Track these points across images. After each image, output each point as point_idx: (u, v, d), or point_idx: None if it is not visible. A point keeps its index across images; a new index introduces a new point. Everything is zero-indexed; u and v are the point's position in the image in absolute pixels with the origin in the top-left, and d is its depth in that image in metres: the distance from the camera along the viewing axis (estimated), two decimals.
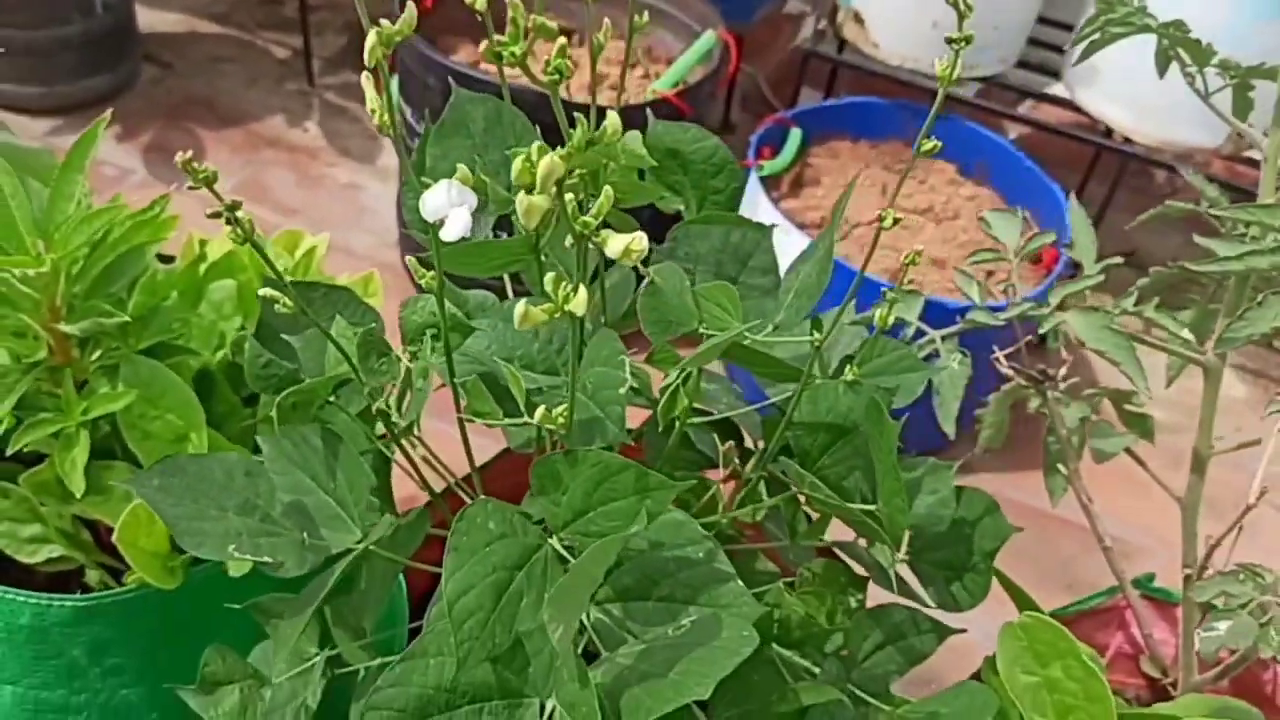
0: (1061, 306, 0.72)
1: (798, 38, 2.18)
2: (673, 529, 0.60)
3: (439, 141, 0.72)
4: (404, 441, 0.69)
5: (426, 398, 0.70)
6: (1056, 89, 1.84)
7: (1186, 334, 0.70)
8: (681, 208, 0.80)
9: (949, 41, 0.51)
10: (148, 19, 2.07)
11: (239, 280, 0.88)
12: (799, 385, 0.61)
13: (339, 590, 0.70)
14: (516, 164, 0.45)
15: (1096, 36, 0.83)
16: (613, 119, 0.49)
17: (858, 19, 1.72)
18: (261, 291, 0.57)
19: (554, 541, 0.57)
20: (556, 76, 0.46)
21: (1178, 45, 0.76)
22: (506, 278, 0.76)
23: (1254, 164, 1.70)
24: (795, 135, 1.66)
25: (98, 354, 0.75)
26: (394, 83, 1.64)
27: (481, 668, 0.55)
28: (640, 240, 0.46)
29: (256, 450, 0.83)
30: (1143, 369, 0.69)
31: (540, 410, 0.54)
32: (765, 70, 2.16)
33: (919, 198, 1.66)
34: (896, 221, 0.52)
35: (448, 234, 0.49)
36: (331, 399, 0.66)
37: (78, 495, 0.70)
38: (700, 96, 1.56)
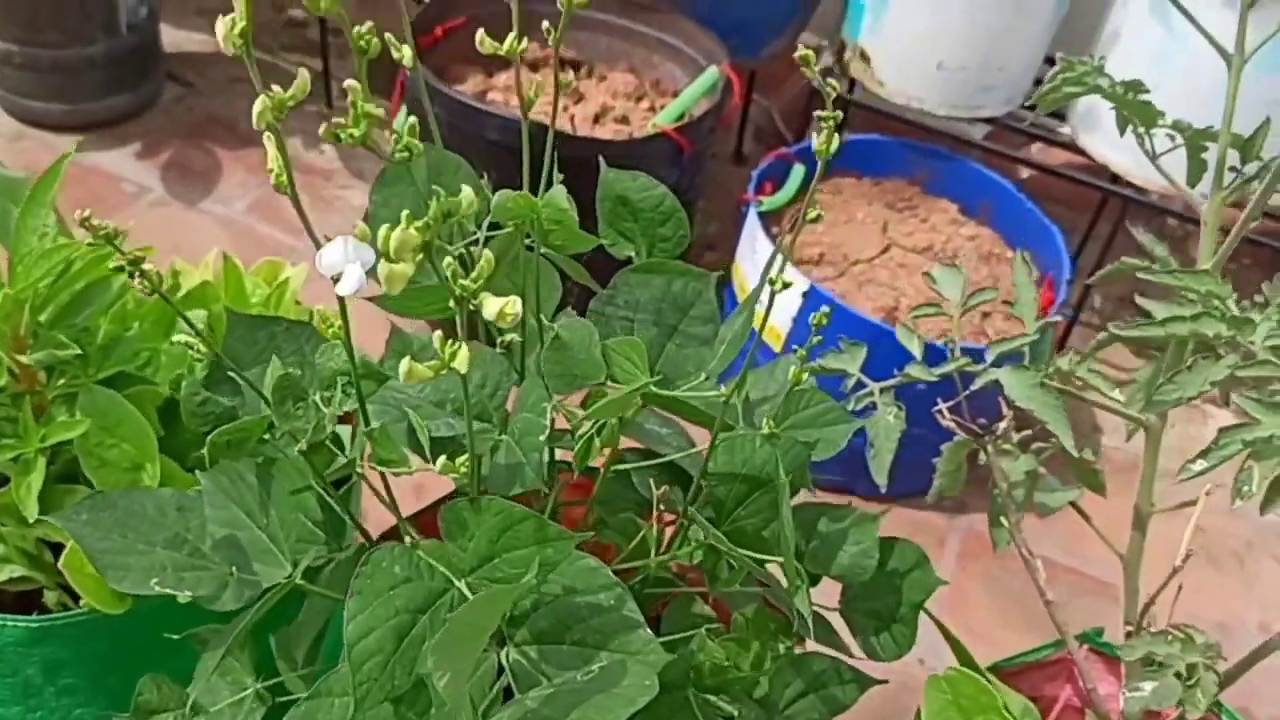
0: (996, 363, 0.72)
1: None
2: (586, 575, 0.61)
3: (381, 189, 0.74)
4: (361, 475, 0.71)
5: (365, 441, 0.72)
6: (1066, 130, 1.84)
7: (1117, 394, 0.71)
8: (633, 253, 0.82)
9: (819, 119, 0.52)
10: (172, 39, 2.12)
11: (211, 310, 0.90)
12: (711, 436, 0.62)
13: (276, 622, 0.72)
14: (382, 231, 0.47)
15: (1054, 94, 0.84)
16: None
17: (864, 57, 1.73)
18: (175, 338, 0.59)
19: (461, 585, 0.58)
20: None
21: (1125, 107, 0.77)
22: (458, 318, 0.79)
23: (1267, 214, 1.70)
24: (798, 171, 1.67)
25: (60, 382, 0.78)
26: (402, 113, 1.67)
27: (383, 708, 0.57)
28: (513, 304, 0.48)
29: None
30: (1069, 427, 0.70)
31: (442, 459, 0.56)
32: (779, 104, 2.18)
33: (919, 236, 1.66)
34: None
35: (342, 289, 0.51)
36: (266, 437, 0.68)
37: (30, 519, 0.73)
38: (701, 131, 1.57)
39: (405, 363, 0.49)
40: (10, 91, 1.89)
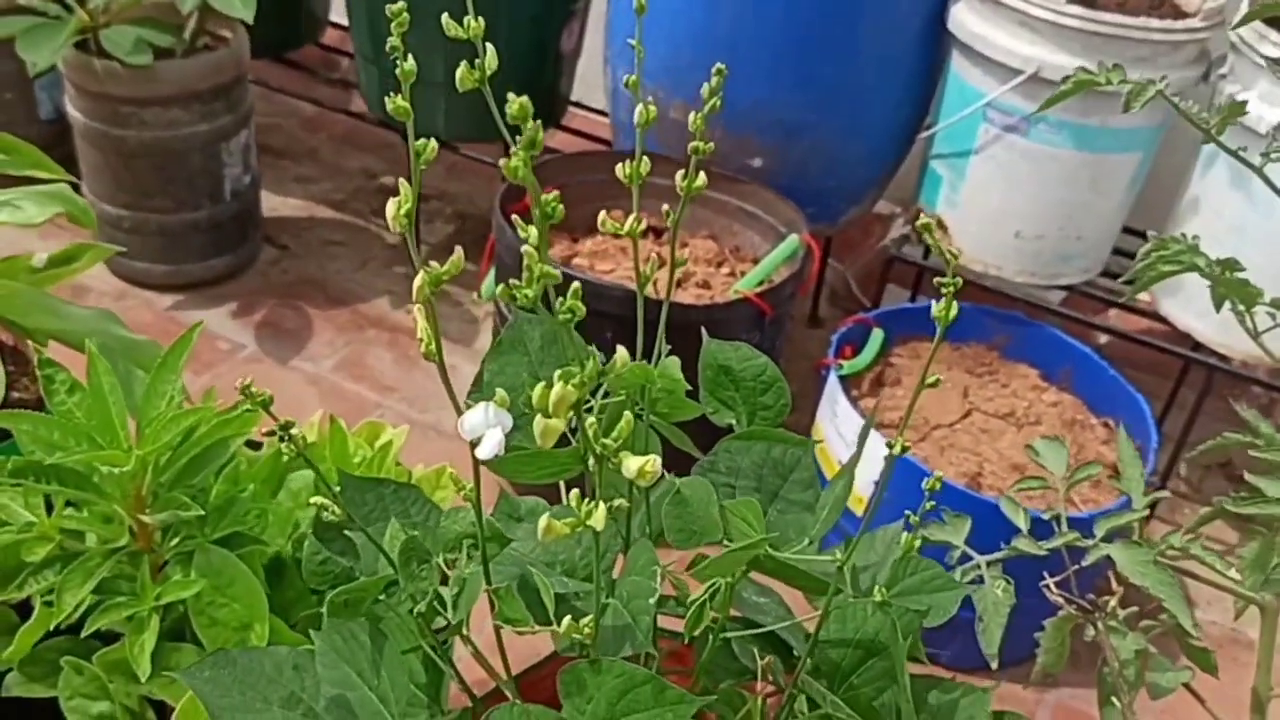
0: (1106, 538, 0.72)
1: (886, 237, 2.24)
2: None
3: (496, 358, 0.76)
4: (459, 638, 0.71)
5: (474, 601, 0.72)
6: (1144, 297, 1.84)
7: (1233, 574, 0.70)
8: (733, 421, 0.83)
9: (940, 285, 0.54)
10: (270, 203, 2.21)
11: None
12: (824, 603, 0.62)
13: None
14: (538, 390, 0.49)
15: (1150, 273, 0.85)
16: (621, 355, 0.53)
17: (940, 225, 1.76)
18: (312, 500, 0.60)
19: None
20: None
21: (1223, 286, 0.78)
22: (561, 485, 0.80)
23: None
24: (877, 335, 1.69)
25: (175, 541, 0.80)
26: (490, 276, 1.73)
27: None
28: (654, 463, 0.49)
29: None
30: (1187, 606, 0.69)
31: (567, 620, 0.56)
32: (854, 268, 2.21)
33: (1000, 401, 1.66)
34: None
35: (482, 452, 0.53)
36: (381, 597, 0.69)
37: (144, 678, 0.74)
38: (782, 297, 1.60)
39: (544, 520, 0.50)
40: (117, 253, 1.98)
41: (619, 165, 0.69)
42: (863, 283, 2.18)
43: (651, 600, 0.64)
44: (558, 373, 0.50)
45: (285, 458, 0.94)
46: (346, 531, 0.74)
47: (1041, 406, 1.66)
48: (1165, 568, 0.69)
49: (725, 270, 1.74)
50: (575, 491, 0.52)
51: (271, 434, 0.55)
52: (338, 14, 2.33)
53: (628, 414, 0.51)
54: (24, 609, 0.87)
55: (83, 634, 0.75)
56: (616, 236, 1.82)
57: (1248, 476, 0.73)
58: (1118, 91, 1.57)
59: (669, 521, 0.64)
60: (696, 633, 0.63)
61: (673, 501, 0.64)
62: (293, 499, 0.91)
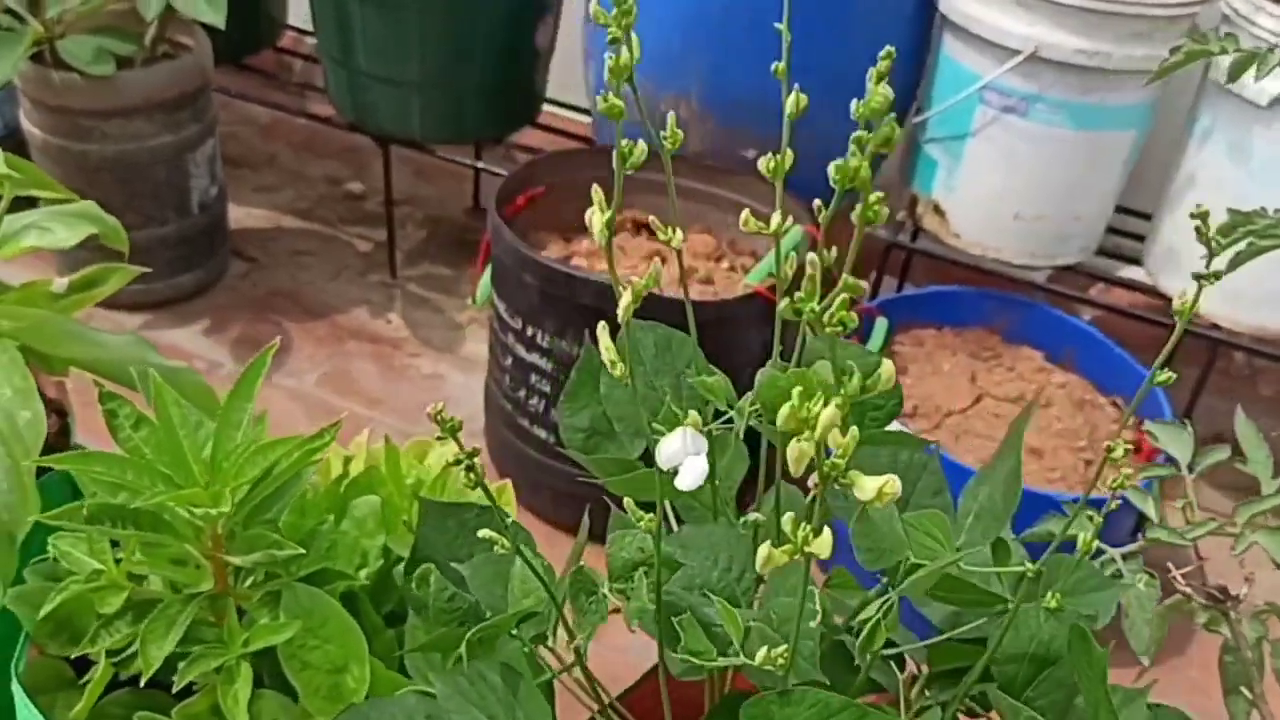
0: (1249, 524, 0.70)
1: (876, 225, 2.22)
2: None
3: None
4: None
5: (596, 627, 0.68)
6: (1126, 273, 1.85)
7: None
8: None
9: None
10: (234, 215, 2.13)
11: (380, 494, 0.88)
12: (1010, 614, 0.59)
13: None
14: (784, 410, 0.45)
15: (1241, 249, 0.83)
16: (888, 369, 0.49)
17: (938, 210, 1.74)
18: (481, 533, 0.56)
19: None
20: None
21: None
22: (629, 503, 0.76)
23: None
24: (881, 324, 1.67)
25: (252, 581, 0.74)
26: (485, 280, 1.67)
27: None
28: (894, 483, 0.46)
29: (401, 670, 0.81)
30: None
31: (763, 650, 0.52)
32: (843, 259, 2.19)
33: (1008, 386, 1.65)
34: None
35: (684, 483, 0.49)
36: (514, 632, 0.64)
37: None
38: (790, 290, 1.57)
39: (764, 548, 0.47)
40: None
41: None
42: (856, 273, 2.16)
43: (813, 624, 0.60)
44: (796, 389, 0.46)
45: (344, 484, 0.89)
46: (454, 564, 0.69)
47: (1050, 388, 1.66)
48: None
49: (725, 265, 1.71)
50: (790, 515, 0.48)
51: (458, 463, 0.50)
52: (294, 17, 2.25)
53: (854, 429, 0.47)
54: (78, 663, 0.81)
55: (174, 688, 0.69)
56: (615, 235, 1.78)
57: None
58: (1117, 69, 1.57)
59: (858, 540, 0.60)
60: (871, 652, 0.59)
61: (860, 519, 0.60)
62: (358, 528, 0.85)
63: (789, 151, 0.67)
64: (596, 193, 0.55)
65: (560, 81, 2.04)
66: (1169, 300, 1.70)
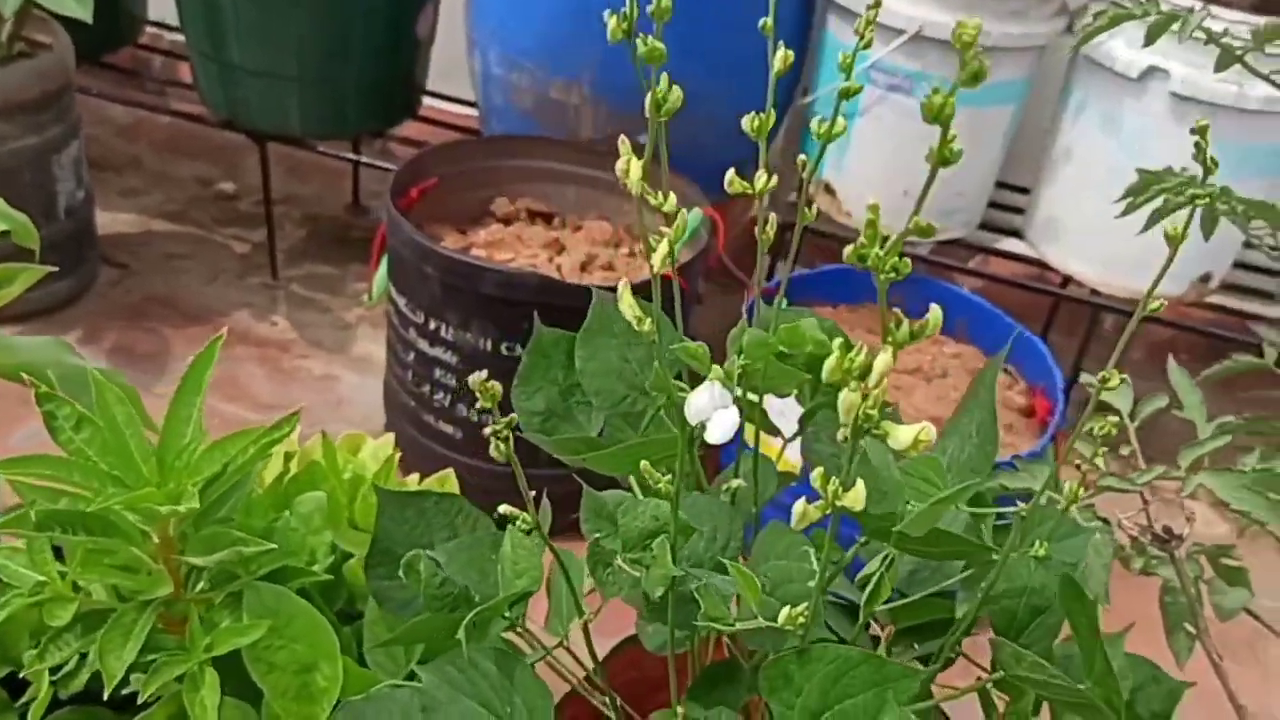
0: (1192, 468, 0.73)
1: (753, 209, 2.25)
2: None
3: (586, 343, 0.71)
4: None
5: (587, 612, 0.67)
6: (1007, 245, 1.91)
7: None
8: (795, 393, 0.80)
9: None
10: (101, 220, 2.03)
11: (323, 490, 0.85)
12: (1000, 561, 0.60)
13: None
14: (830, 362, 0.45)
15: (1158, 205, 0.86)
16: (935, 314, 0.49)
17: (829, 190, 1.77)
18: (502, 509, 0.54)
19: None
20: None
21: (1255, 211, 0.80)
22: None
23: (1210, 308, 1.79)
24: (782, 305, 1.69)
25: (207, 583, 0.71)
26: (381, 274, 1.63)
27: None
28: (930, 431, 0.46)
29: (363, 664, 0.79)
30: None
31: (785, 610, 0.52)
32: (726, 244, 2.21)
33: (906, 358, 1.69)
34: None
35: (713, 436, 0.48)
36: (506, 614, 0.62)
37: None
38: (693, 273, 1.58)
39: (800, 504, 0.46)
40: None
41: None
42: (736, 258, 2.18)
43: (811, 584, 0.60)
44: (837, 342, 0.45)
45: (286, 481, 0.86)
46: (429, 553, 0.67)
47: (945, 359, 1.70)
48: (1260, 493, 0.70)
49: (624, 251, 1.70)
50: (819, 470, 0.48)
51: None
52: (154, 11, 2.16)
53: (884, 382, 0.47)
54: (11, 684, 0.76)
55: (140, 698, 0.65)
56: (505, 224, 1.76)
57: None
58: (996, 46, 1.61)
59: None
60: (877, 607, 0.60)
61: (862, 462, 0.60)
62: (304, 524, 0.82)
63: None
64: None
65: (439, 72, 2.01)
66: (1050, 269, 1.77)
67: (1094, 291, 1.75)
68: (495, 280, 1.47)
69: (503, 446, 0.51)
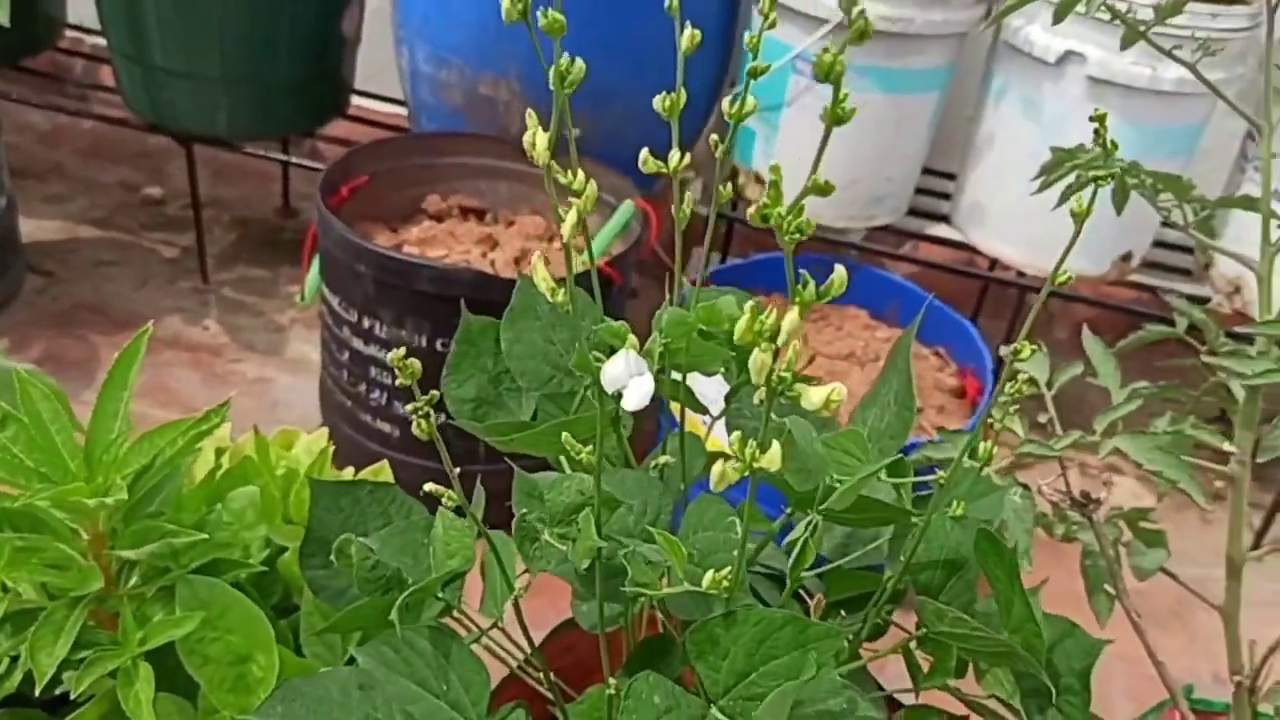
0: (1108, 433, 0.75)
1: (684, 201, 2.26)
2: (811, 684, 0.59)
3: (511, 325, 0.72)
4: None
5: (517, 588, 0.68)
6: (935, 230, 1.94)
7: (1229, 446, 0.74)
8: (721, 371, 0.81)
9: None
10: (25, 228, 2.00)
11: (256, 484, 0.84)
12: (922, 525, 0.62)
13: None
14: (741, 323, 0.46)
15: (1071, 182, 0.89)
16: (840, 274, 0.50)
17: (759, 180, 1.79)
18: (428, 487, 0.54)
19: (715, 711, 0.55)
20: None
21: (1164, 184, 0.82)
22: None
23: (1132, 286, 1.83)
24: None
25: (139, 578, 0.71)
26: (314, 275, 1.62)
27: None
28: (840, 390, 0.47)
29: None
30: (1199, 486, 0.72)
31: (709, 575, 0.53)
32: (657, 235, 2.22)
33: (839, 344, 1.71)
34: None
35: (630, 403, 0.49)
36: (439, 594, 0.63)
37: None
38: (626, 265, 1.59)
39: (718, 466, 0.47)
40: None
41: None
42: (667, 249, 2.19)
43: (735, 553, 0.61)
44: (749, 304, 0.47)
45: (218, 475, 0.85)
46: (362, 539, 0.67)
47: (877, 344, 1.73)
48: (1171, 453, 0.73)
49: (557, 245, 1.71)
50: (738, 434, 0.49)
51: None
52: (74, 15, 2.12)
53: (796, 342, 0.49)
54: None
55: (73, 695, 0.64)
56: (438, 220, 1.75)
57: (1206, 360, 0.78)
58: (919, 33, 1.64)
59: (787, 464, 0.61)
60: (803, 573, 0.61)
61: (787, 441, 0.61)
62: (236, 519, 0.82)
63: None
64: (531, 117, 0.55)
65: (365, 72, 2.00)
66: (979, 253, 1.81)
67: (1020, 274, 1.78)
68: (429, 276, 1.47)
69: (424, 424, 0.51)
